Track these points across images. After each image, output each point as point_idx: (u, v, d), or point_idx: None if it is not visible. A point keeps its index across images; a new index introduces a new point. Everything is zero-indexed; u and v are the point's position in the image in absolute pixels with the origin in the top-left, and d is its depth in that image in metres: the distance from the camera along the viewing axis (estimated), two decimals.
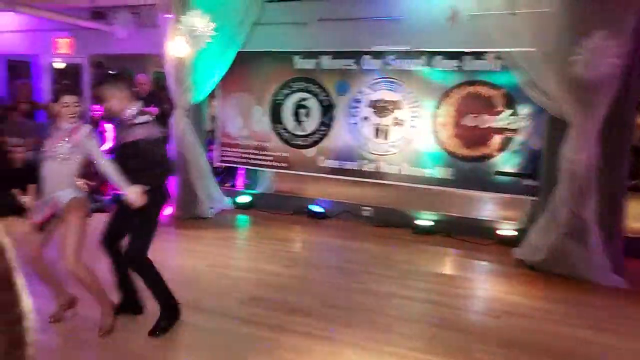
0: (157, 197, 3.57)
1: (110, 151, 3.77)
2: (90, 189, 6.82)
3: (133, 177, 3.41)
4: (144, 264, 3.54)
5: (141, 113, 3.54)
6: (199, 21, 5.87)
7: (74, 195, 3.53)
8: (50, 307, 3.98)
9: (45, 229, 3.60)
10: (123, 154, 3.53)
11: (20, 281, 0.62)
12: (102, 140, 7.86)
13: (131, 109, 3.52)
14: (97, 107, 7.98)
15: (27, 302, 0.64)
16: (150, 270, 3.56)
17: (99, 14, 7.55)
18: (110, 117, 8.18)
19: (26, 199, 6.41)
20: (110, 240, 3.75)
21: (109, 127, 7.90)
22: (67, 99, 3.41)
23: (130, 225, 3.57)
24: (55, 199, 3.49)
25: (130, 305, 3.84)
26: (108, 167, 3.45)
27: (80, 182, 6.85)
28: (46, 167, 3.50)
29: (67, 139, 3.42)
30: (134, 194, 3.37)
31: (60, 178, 3.50)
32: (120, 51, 8.16)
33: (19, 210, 6.40)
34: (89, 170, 7.00)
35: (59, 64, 9.27)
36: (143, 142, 3.44)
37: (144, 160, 3.46)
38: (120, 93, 3.49)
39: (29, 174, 6.72)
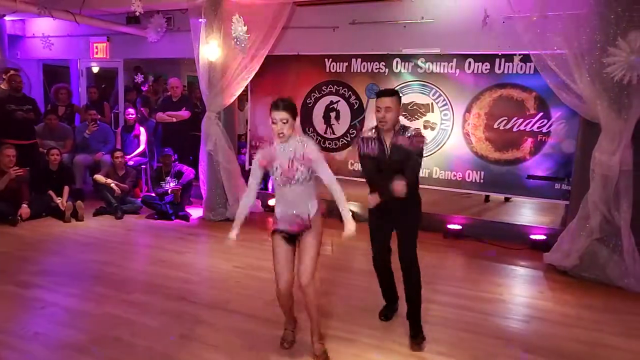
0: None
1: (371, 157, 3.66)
2: (122, 192, 7.04)
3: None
4: (418, 267, 3.69)
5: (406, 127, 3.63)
6: (240, 27, 5.99)
7: (316, 209, 3.35)
8: (77, 304, 4.11)
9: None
10: (400, 161, 3.56)
11: None
12: (137, 143, 8.05)
13: (399, 122, 3.62)
14: (131, 110, 8.15)
15: None
16: (419, 272, 3.70)
17: (134, 19, 7.72)
18: (143, 122, 8.37)
19: (61, 200, 6.63)
20: (385, 258, 3.93)
21: (142, 131, 8.08)
22: (275, 115, 3.11)
23: (402, 234, 3.73)
24: (303, 215, 3.30)
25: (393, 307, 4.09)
26: (335, 185, 3.29)
27: (112, 185, 7.05)
28: (286, 192, 3.28)
29: (301, 163, 3.18)
30: (399, 186, 3.34)
31: (304, 196, 3.29)
32: (154, 55, 8.36)
33: (55, 211, 6.62)
34: (119, 174, 7.18)
35: (95, 68, 9.52)
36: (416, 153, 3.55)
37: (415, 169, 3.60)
38: (399, 108, 3.57)
39: (64, 176, 6.96)
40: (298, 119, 3.21)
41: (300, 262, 3.34)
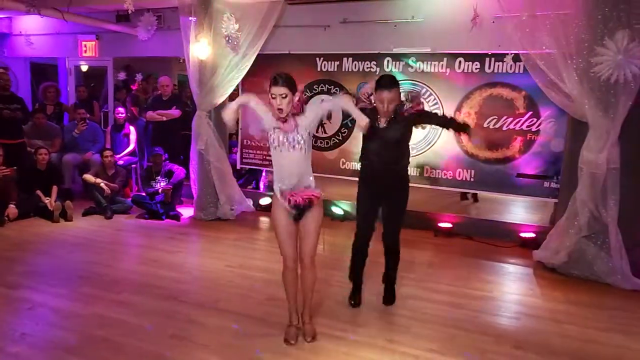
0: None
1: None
2: (112, 192, 6.99)
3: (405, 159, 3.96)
4: (399, 245, 4.12)
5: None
6: (231, 25, 5.98)
7: (315, 184, 3.38)
8: (65, 304, 4.07)
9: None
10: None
11: None
12: (127, 143, 8.00)
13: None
14: (121, 109, 8.10)
15: None
16: (399, 250, 4.13)
17: (123, 17, 7.67)
18: (133, 121, 8.33)
19: (49, 200, 6.58)
20: (368, 236, 4.07)
21: (132, 130, 8.04)
22: (275, 90, 3.15)
23: (391, 215, 4.01)
24: (304, 189, 3.33)
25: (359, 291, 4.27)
26: (347, 102, 3.38)
27: (102, 185, 7.01)
28: (285, 158, 3.27)
29: (297, 126, 3.22)
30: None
31: (303, 167, 3.31)
32: (144, 54, 8.29)
33: (43, 211, 6.56)
34: (108, 174, 7.13)
35: (84, 66, 9.45)
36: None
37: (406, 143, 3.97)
38: (399, 94, 3.83)
39: (53, 176, 6.90)
40: (297, 94, 3.24)
41: (303, 243, 3.43)
